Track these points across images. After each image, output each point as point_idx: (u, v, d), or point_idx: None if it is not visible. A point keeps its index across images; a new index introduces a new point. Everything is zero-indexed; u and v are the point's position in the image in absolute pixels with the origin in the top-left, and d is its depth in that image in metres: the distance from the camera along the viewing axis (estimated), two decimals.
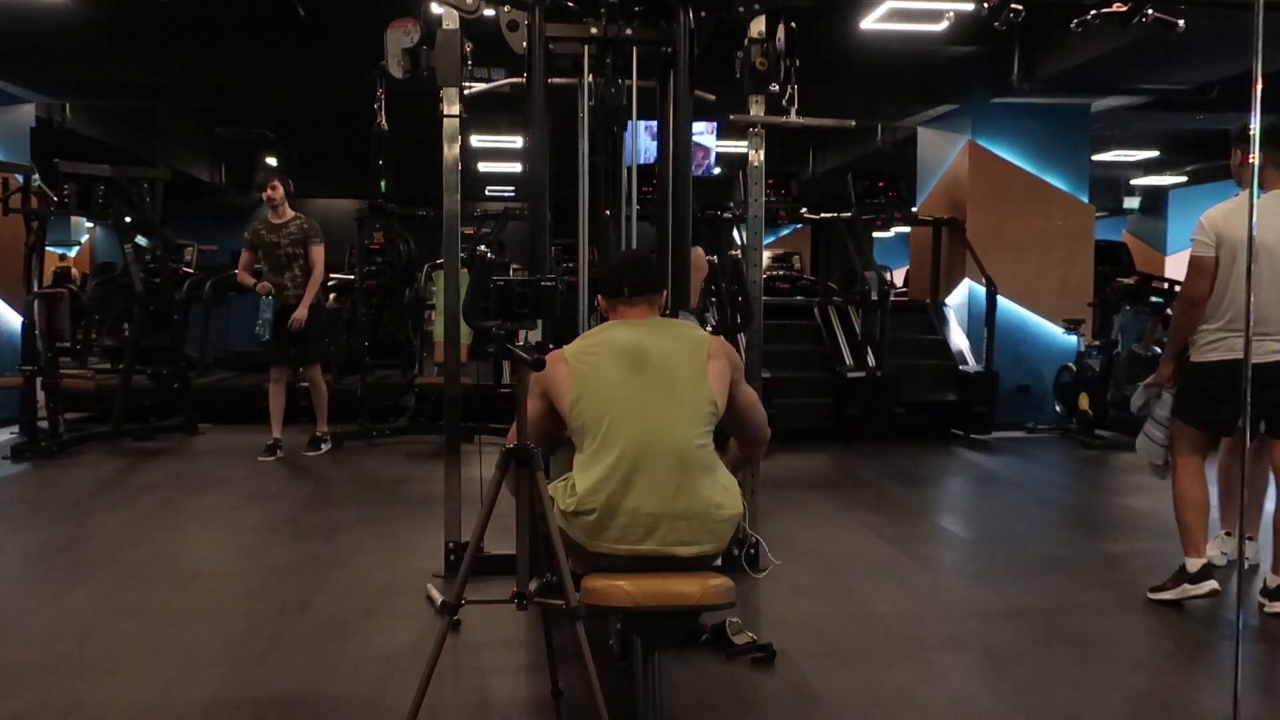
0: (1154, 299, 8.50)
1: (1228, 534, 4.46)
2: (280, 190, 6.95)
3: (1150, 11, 3.42)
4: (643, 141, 5.43)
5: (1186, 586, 3.87)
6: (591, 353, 2.63)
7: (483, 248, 7.81)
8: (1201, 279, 3.82)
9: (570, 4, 4.16)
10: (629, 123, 4.26)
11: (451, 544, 4.24)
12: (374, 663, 3.30)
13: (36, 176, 7.16)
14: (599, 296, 2.87)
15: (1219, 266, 3.78)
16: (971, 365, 8.62)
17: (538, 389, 2.62)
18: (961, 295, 9.18)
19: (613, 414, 2.50)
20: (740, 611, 3.56)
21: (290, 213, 7.01)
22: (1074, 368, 8.54)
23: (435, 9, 4.17)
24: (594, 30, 4.05)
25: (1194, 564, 3.87)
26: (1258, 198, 3.81)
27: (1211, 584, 3.84)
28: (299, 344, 6.96)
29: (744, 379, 2.77)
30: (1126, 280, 8.36)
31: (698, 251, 7.07)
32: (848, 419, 7.97)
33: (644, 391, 2.53)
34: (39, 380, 7.13)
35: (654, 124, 4.69)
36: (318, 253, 6.93)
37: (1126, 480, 6.78)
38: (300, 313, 6.80)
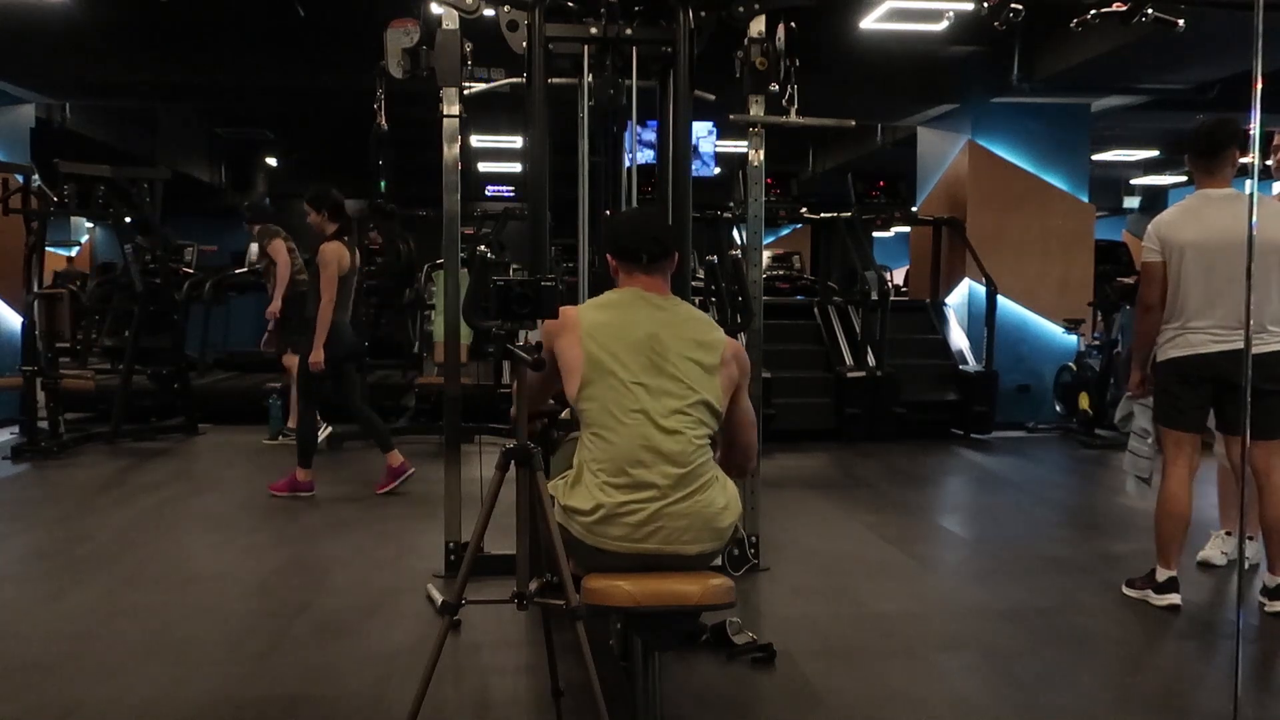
0: None
1: (1228, 533, 4.46)
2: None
3: (1150, 11, 3.42)
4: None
5: (1150, 593, 3.94)
6: (608, 335, 2.54)
7: (483, 248, 7.81)
8: (1152, 284, 3.91)
9: (570, 4, 4.16)
10: (629, 123, 4.25)
11: (451, 544, 4.24)
12: (374, 663, 3.30)
13: (36, 177, 7.16)
14: (608, 255, 2.71)
15: (1168, 270, 3.87)
16: (971, 365, 8.62)
17: (549, 342, 2.57)
18: (961, 295, 9.18)
19: (619, 415, 2.48)
20: (740, 611, 3.56)
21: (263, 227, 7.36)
22: (1074, 367, 8.54)
23: (435, 9, 4.17)
24: (594, 30, 4.06)
25: (1162, 574, 3.91)
26: (1195, 199, 3.90)
27: (1174, 598, 3.87)
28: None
29: (747, 390, 2.70)
30: (1126, 280, 8.36)
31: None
32: (848, 419, 7.98)
33: (654, 397, 2.49)
34: (39, 380, 7.13)
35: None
36: (272, 248, 7.19)
37: (1126, 480, 6.76)
38: (270, 308, 7.12)
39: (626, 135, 4.35)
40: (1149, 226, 3.97)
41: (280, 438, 7.36)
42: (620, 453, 2.46)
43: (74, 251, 12.42)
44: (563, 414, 3.22)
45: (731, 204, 8.47)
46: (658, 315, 2.60)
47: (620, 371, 2.50)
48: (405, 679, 3.10)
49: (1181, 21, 3.52)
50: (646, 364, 2.51)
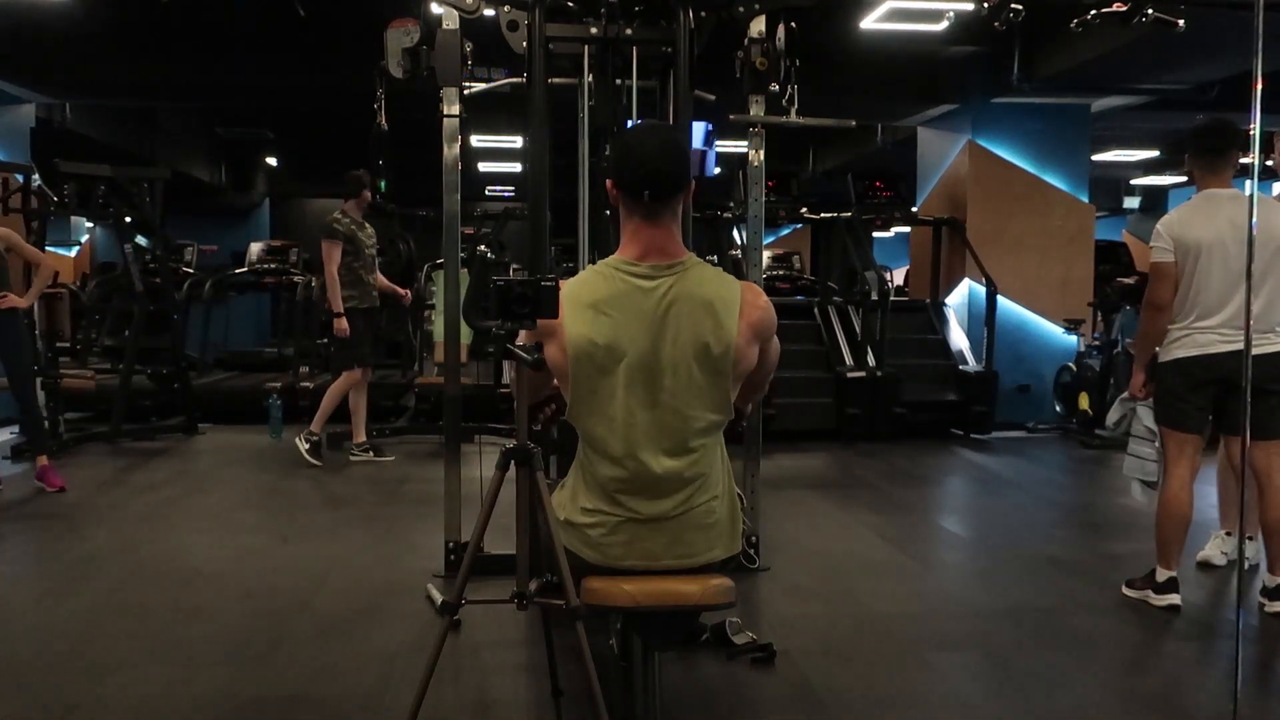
0: None
1: (1228, 534, 4.46)
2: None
3: (1150, 11, 3.43)
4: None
5: (1150, 594, 3.94)
6: (598, 357, 2.30)
7: (483, 248, 7.82)
8: (1163, 284, 3.88)
9: (570, 4, 4.16)
10: (629, 122, 4.25)
11: (451, 544, 4.24)
12: (374, 663, 3.30)
13: (36, 176, 7.16)
14: (608, 181, 2.38)
15: (1179, 269, 3.85)
16: (971, 365, 8.62)
17: (537, 338, 2.35)
18: (961, 295, 9.18)
19: (612, 450, 2.34)
20: (740, 611, 3.56)
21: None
22: (1074, 367, 8.54)
23: (435, 9, 4.17)
24: (594, 30, 4.06)
25: (1162, 574, 3.91)
26: (1200, 198, 3.89)
27: (1174, 599, 3.87)
28: (373, 344, 7.07)
29: (772, 339, 2.42)
30: (1126, 280, 8.36)
31: (25, 250, 5.93)
32: (848, 419, 7.98)
33: (649, 436, 2.31)
34: (39, 380, 7.12)
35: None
36: (327, 251, 6.98)
37: (1126, 480, 6.77)
38: (339, 324, 6.60)
39: None
40: (1158, 226, 3.94)
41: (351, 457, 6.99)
42: (614, 476, 2.35)
43: (74, 252, 12.41)
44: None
45: (731, 204, 8.47)
46: (655, 311, 2.31)
47: (611, 407, 2.33)
48: (405, 679, 3.10)
49: (1181, 21, 3.53)
50: (642, 397, 2.30)
